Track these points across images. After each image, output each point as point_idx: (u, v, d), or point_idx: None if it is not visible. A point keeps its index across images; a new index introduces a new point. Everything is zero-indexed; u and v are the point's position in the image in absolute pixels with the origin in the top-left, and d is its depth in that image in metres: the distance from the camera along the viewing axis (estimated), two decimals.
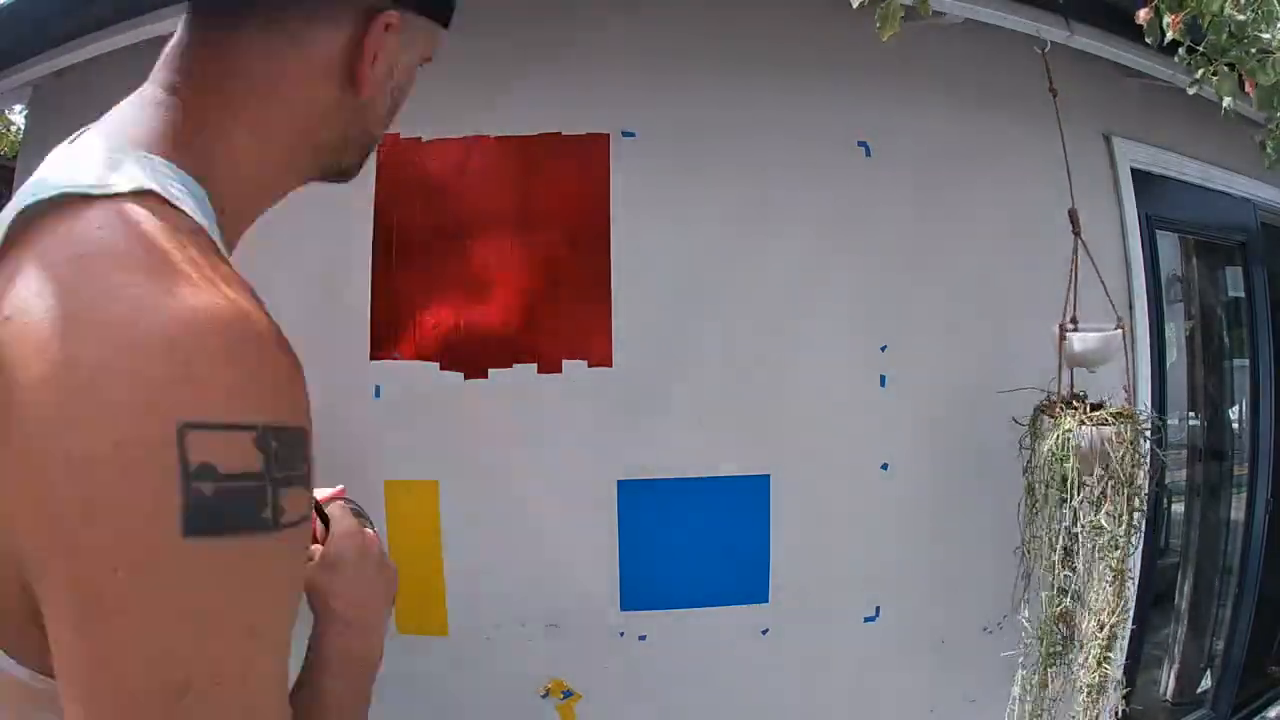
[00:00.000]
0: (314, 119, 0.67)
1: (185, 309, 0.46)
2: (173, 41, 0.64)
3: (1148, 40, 1.58)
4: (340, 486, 0.83)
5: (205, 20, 0.64)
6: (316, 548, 0.75)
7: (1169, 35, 1.56)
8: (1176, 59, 1.60)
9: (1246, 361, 3.15)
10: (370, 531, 0.77)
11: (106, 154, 0.54)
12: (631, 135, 2.13)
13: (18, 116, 3.14)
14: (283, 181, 0.68)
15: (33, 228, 0.49)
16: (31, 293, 0.46)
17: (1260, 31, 1.49)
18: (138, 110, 0.60)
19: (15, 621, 0.50)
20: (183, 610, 0.45)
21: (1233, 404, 3.26)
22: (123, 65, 2.02)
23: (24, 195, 0.51)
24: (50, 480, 0.44)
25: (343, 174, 0.75)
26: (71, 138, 0.60)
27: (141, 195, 0.51)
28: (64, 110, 2.24)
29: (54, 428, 0.44)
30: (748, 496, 2.16)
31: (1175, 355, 3.06)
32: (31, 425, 0.45)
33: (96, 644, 0.44)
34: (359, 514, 0.80)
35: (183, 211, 0.53)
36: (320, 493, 0.77)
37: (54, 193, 0.50)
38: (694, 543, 2.16)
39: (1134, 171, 2.52)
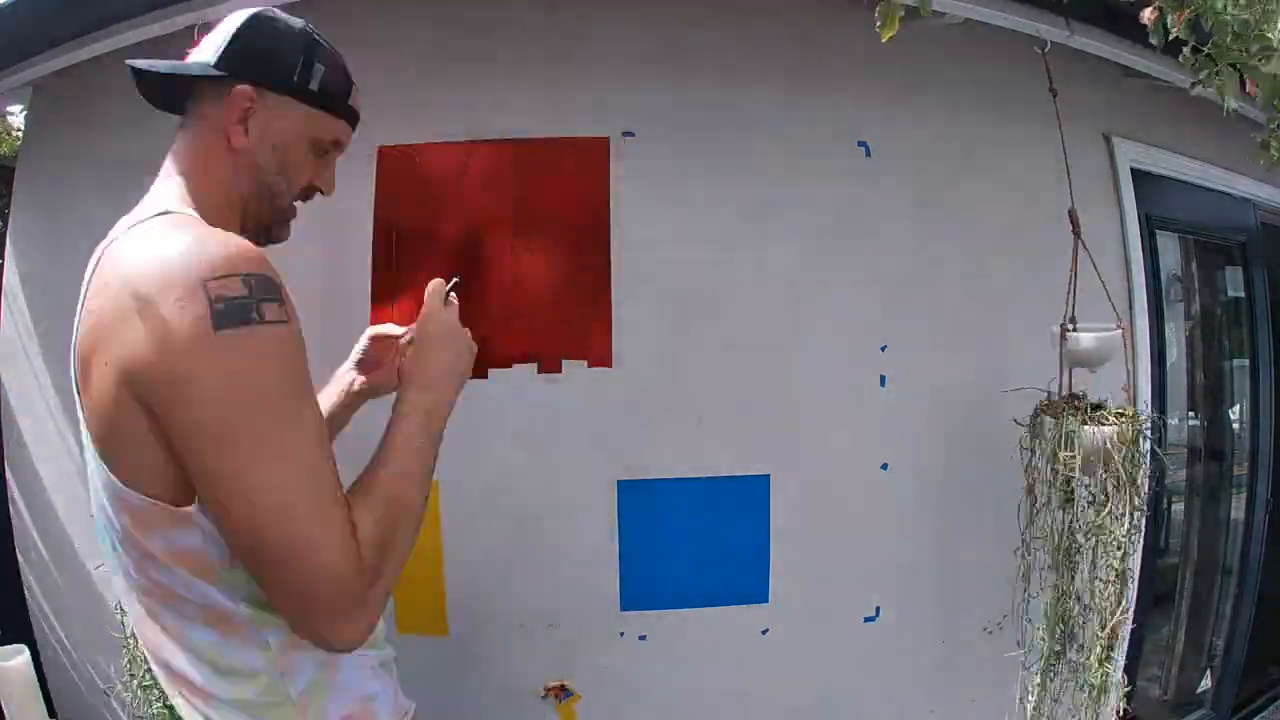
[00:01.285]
0: (224, 177, 1.02)
1: (198, 236, 0.89)
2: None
3: (1152, 41, 1.58)
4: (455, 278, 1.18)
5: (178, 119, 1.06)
6: (409, 328, 1.18)
7: (1173, 34, 1.56)
8: (1180, 59, 1.60)
9: (1246, 361, 3.15)
10: (453, 317, 1.15)
11: (154, 204, 0.98)
12: (631, 135, 2.13)
13: (18, 117, 3.13)
14: (228, 224, 0.99)
15: (116, 244, 0.94)
16: (127, 260, 0.89)
17: (1265, 30, 1.49)
18: (160, 184, 1.03)
19: (134, 455, 0.88)
20: (229, 369, 0.84)
21: (1233, 404, 3.26)
22: (123, 65, 2.02)
23: (123, 224, 0.96)
24: (145, 331, 0.84)
25: (267, 231, 1.08)
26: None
27: (169, 212, 0.96)
28: (64, 110, 2.24)
29: (140, 309, 0.84)
30: (748, 496, 2.16)
31: (1175, 355, 3.06)
32: (134, 301, 0.85)
33: (181, 394, 0.84)
34: (456, 289, 1.17)
35: (197, 216, 0.97)
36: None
37: (131, 224, 0.94)
38: (694, 543, 2.16)
39: (1134, 171, 2.52)
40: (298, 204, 1.10)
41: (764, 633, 2.19)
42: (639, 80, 2.14)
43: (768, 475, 2.17)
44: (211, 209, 0.98)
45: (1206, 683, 3.10)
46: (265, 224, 1.07)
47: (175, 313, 0.83)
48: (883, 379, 2.22)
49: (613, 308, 2.11)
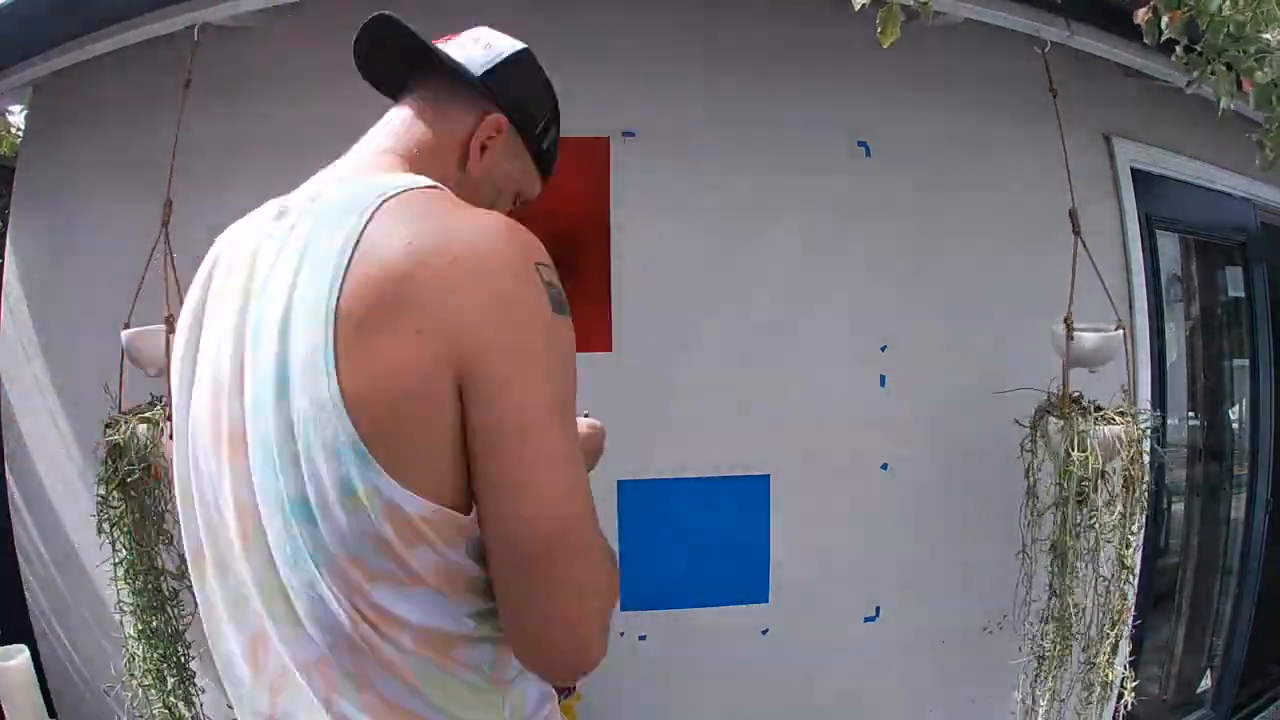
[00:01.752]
0: (448, 178, 0.93)
1: (505, 219, 0.84)
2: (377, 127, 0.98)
3: (1146, 40, 1.58)
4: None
5: (395, 106, 0.99)
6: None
7: (1165, 34, 1.56)
8: (1173, 58, 1.60)
9: (1246, 361, 3.15)
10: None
11: (408, 176, 0.88)
12: (631, 135, 2.13)
13: (18, 116, 3.13)
14: None
15: (387, 205, 0.81)
16: (429, 228, 0.79)
17: (1259, 31, 1.49)
18: (379, 159, 0.94)
19: (424, 453, 0.76)
20: (564, 354, 0.82)
21: (1233, 404, 3.26)
22: (123, 65, 2.02)
23: (373, 194, 0.82)
24: (488, 302, 0.76)
25: None
26: (351, 173, 0.93)
27: (436, 186, 0.87)
28: (64, 110, 2.24)
29: (483, 283, 0.77)
30: (748, 496, 2.16)
31: (1175, 355, 3.06)
32: (462, 280, 0.76)
33: (522, 369, 0.77)
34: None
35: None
36: None
37: (398, 190, 0.83)
38: (694, 543, 2.16)
39: (1134, 171, 2.52)
40: None
41: (764, 633, 2.19)
42: (639, 80, 2.14)
43: (768, 475, 2.17)
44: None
45: (1206, 683, 3.10)
46: None
47: (518, 287, 0.78)
48: (883, 379, 2.22)
49: (612, 308, 2.11)
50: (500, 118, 0.98)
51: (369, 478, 0.76)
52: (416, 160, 0.94)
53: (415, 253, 0.77)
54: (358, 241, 0.78)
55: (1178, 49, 1.57)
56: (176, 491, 0.92)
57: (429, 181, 0.87)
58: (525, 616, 0.78)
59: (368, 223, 0.79)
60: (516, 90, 1.01)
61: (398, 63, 1.00)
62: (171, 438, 0.99)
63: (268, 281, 0.83)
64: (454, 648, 0.82)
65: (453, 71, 0.97)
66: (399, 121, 0.97)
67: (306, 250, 0.81)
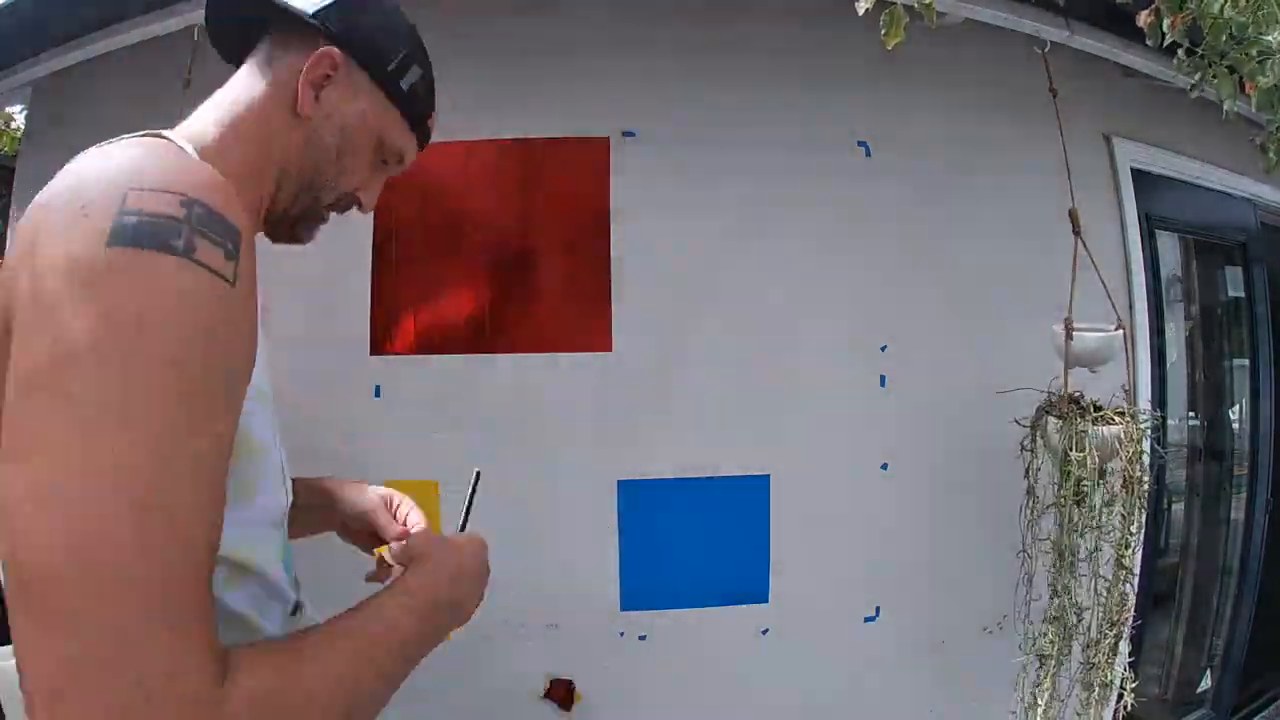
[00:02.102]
0: (273, 141, 0.84)
1: (155, 149, 0.68)
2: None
3: (1148, 42, 1.58)
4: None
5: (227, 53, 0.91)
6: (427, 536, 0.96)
7: (1169, 38, 1.56)
8: (1175, 61, 1.60)
9: (1246, 361, 3.15)
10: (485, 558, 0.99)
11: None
12: (631, 135, 2.13)
13: (18, 116, 3.13)
14: (248, 191, 0.82)
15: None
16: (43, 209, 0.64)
17: (1261, 33, 1.49)
18: (200, 133, 0.82)
19: None
20: (107, 303, 0.56)
21: (1233, 404, 3.26)
22: (123, 65, 2.02)
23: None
24: (30, 241, 0.60)
25: (292, 226, 0.91)
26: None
27: (142, 136, 0.71)
28: (64, 110, 2.24)
29: (38, 217, 0.62)
30: (748, 496, 2.16)
31: (1175, 355, 3.06)
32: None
33: (47, 330, 0.56)
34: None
35: (179, 146, 0.74)
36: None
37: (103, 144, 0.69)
38: (694, 543, 2.16)
39: (1134, 171, 2.52)
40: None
41: (764, 633, 2.19)
42: (639, 80, 2.14)
43: (768, 475, 2.17)
44: (238, 166, 0.80)
45: (1206, 683, 3.10)
46: (293, 215, 0.89)
47: (68, 221, 0.60)
48: (883, 379, 2.22)
49: (612, 308, 2.11)
50: (330, 49, 0.85)
51: None
52: (235, 120, 0.83)
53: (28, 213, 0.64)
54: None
55: (1180, 52, 1.57)
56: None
57: (162, 132, 0.75)
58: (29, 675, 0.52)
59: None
60: (359, 22, 0.88)
61: (247, 39, 0.90)
62: None
63: None
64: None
65: (280, 12, 0.86)
66: (230, 84, 0.87)
67: None
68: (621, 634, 2.15)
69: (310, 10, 0.86)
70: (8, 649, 1.44)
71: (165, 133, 0.76)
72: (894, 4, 1.49)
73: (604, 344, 2.10)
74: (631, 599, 2.14)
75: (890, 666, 2.25)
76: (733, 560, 2.18)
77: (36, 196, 0.64)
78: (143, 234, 0.58)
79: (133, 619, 0.50)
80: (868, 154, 2.22)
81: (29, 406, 0.54)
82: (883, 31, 1.50)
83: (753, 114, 2.17)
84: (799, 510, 2.18)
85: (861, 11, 1.45)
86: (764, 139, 2.17)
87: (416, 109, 0.94)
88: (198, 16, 1.82)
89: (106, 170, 0.63)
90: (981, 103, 2.29)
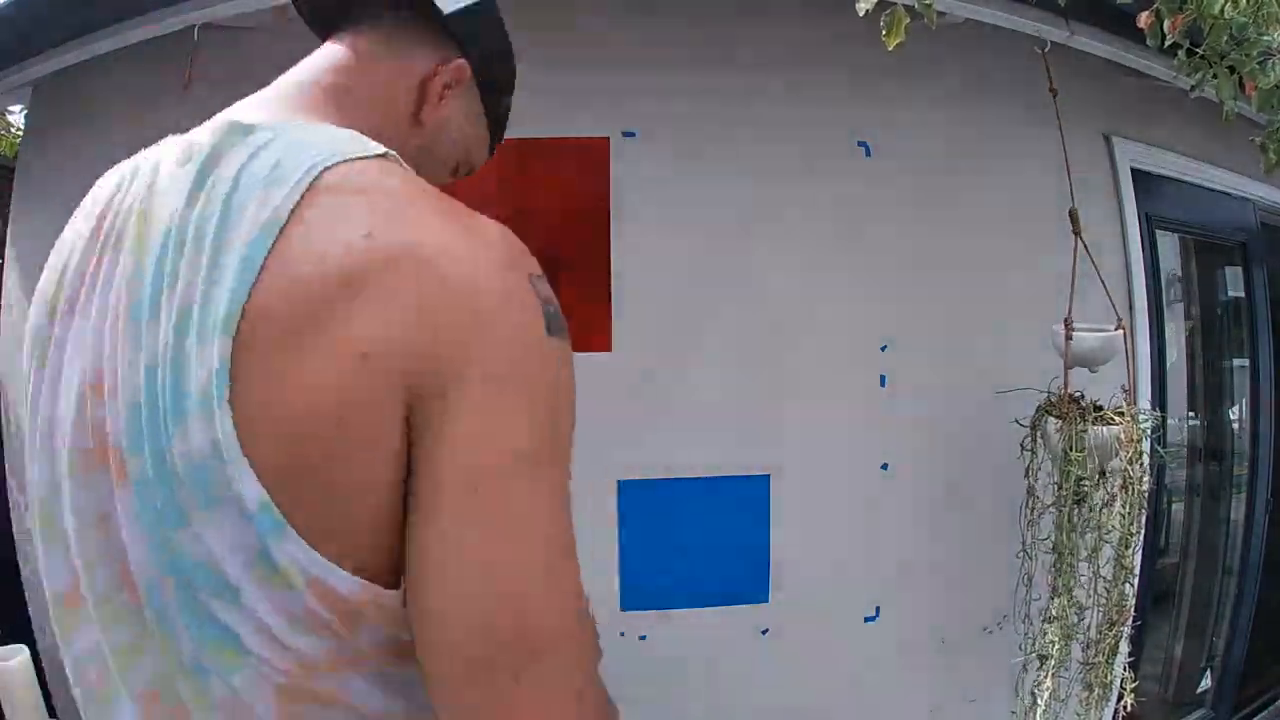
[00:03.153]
0: (396, 139, 0.75)
1: (486, 221, 0.66)
2: (310, 56, 0.79)
3: (1149, 43, 1.58)
4: None
5: (329, 32, 0.80)
6: None
7: (1169, 39, 1.56)
8: (1176, 62, 1.60)
9: (1246, 361, 3.15)
10: None
11: (348, 135, 0.68)
12: (632, 135, 2.13)
13: (18, 116, 3.13)
14: None
15: (327, 178, 0.61)
16: (394, 216, 0.61)
17: (1261, 34, 1.49)
18: (313, 94, 0.75)
19: (345, 509, 0.58)
20: (550, 380, 0.63)
21: (1233, 404, 3.26)
22: (123, 65, 2.02)
23: (304, 159, 0.62)
24: (464, 321, 0.58)
25: None
26: (271, 128, 0.67)
27: (387, 156, 0.67)
28: (64, 110, 2.24)
29: (461, 296, 0.58)
30: (748, 496, 2.16)
31: (1175, 355, 3.06)
32: (435, 297, 0.58)
33: (492, 401, 0.58)
34: None
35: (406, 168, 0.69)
36: None
37: (339, 159, 0.63)
38: (694, 543, 2.16)
39: (1134, 171, 2.52)
40: None
41: (764, 633, 2.19)
42: (639, 80, 2.14)
43: (768, 475, 2.17)
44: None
45: (1206, 683, 3.10)
46: None
47: (507, 303, 0.60)
48: (883, 379, 2.22)
49: (612, 308, 2.11)
50: (465, 64, 0.81)
51: (287, 549, 0.56)
52: (361, 100, 0.76)
53: (377, 250, 0.57)
54: (285, 225, 0.58)
55: (1180, 53, 1.57)
56: (36, 517, 0.68)
57: (379, 147, 0.67)
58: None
59: (300, 200, 0.59)
60: (485, 41, 0.85)
61: (350, 7, 0.81)
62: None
63: (164, 257, 0.61)
64: None
65: (418, 3, 0.80)
66: (343, 53, 0.78)
67: (221, 222, 0.60)
68: (621, 634, 2.15)
69: (447, 9, 0.80)
70: (7, 649, 1.41)
71: (396, 157, 0.69)
72: (895, 5, 1.49)
73: (604, 344, 2.10)
74: (631, 599, 2.14)
75: (890, 666, 2.25)
76: (733, 560, 2.18)
77: (379, 238, 0.58)
78: (559, 326, 0.64)
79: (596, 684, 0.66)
80: (868, 154, 2.22)
81: (517, 486, 0.58)
82: (883, 32, 1.50)
83: (753, 114, 2.17)
84: (799, 510, 2.18)
85: (862, 13, 1.44)
86: (764, 139, 2.17)
87: (502, 133, 0.93)
88: (198, 16, 1.82)
89: (496, 241, 0.64)
90: (981, 103, 2.29)
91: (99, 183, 0.73)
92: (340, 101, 0.74)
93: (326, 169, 0.61)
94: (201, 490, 0.57)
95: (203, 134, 0.67)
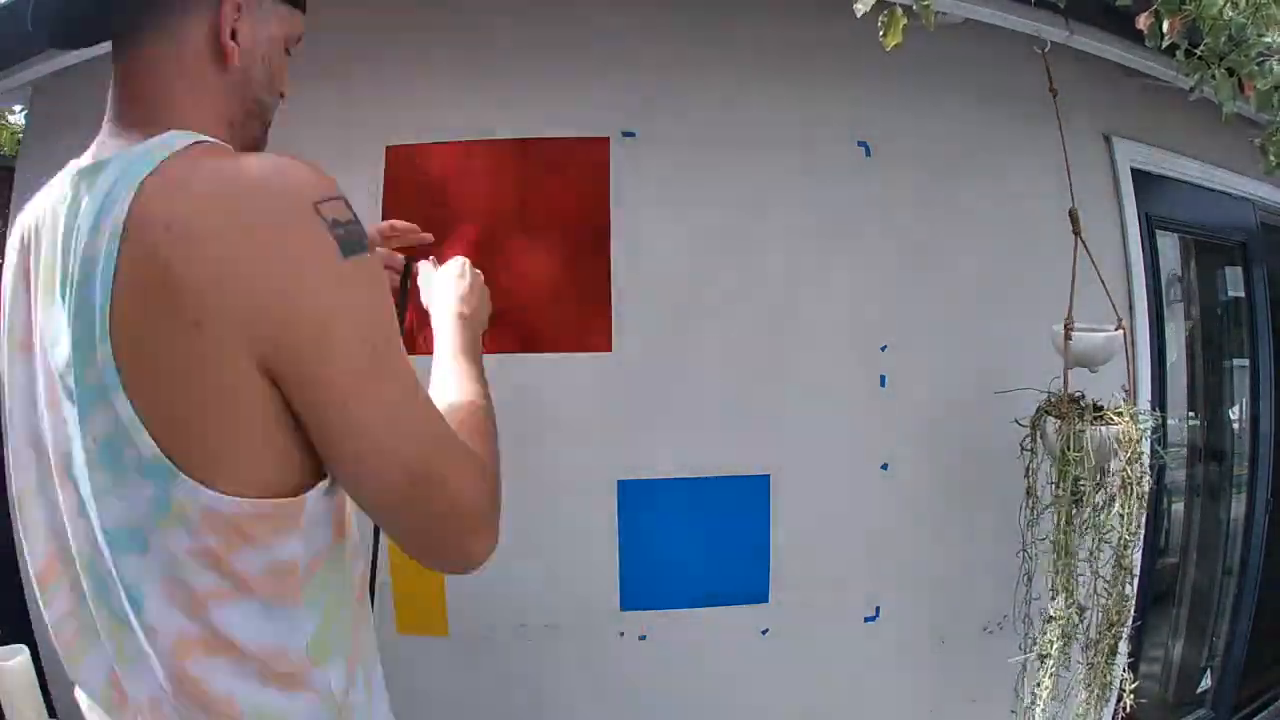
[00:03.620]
0: (217, 103, 0.85)
1: (271, 160, 0.75)
2: (114, 81, 0.87)
3: (1148, 44, 1.58)
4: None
5: (122, 51, 0.86)
6: (428, 265, 1.30)
7: (1167, 40, 1.56)
8: (1175, 61, 1.60)
9: (1246, 361, 3.15)
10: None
11: (159, 139, 0.77)
12: (631, 135, 2.13)
13: (18, 116, 3.13)
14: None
15: (151, 179, 0.72)
16: (188, 201, 0.71)
17: (1261, 35, 1.49)
18: (126, 135, 0.82)
19: (244, 447, 0.73)
20: (355, 301, 0.74)
21: (1233, 404, 3.26)
22: None
23: (134, 166, 0.73)
24: (267, 271, 0.70)
25: (256, 146, 0.93)
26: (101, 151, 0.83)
27: (203, 140, 0.77)
28: (64, 110, 2.24)
29: (242, 233, 0.70)
30: (748, 496, 2.16)
31: (1175, 355, 3.06)
32: (232, 243, 0.69)
33: (326, 339, 0.72)
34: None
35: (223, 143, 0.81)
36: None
37: (168, 150, 0.74)
38: (694, 543, 2.16)
39: (1134, 171, 2.52)
40: None
41: (764, 633, 2.19)
42: (639, 80, 2.14)
43: (768, 475, 2.17)
44: (224, 139, 0.84)
45: (1206, 683, 3.10)
46: (254, 146, 0.93)
47: (296, 243, 0.70)
48: (883, 379, 2.22)
49: (612, 308, 2.11)
50: None
51: (184, 490, 0.71)
52: (181, 106, 0.83)
53: (175, 235, 0.68)
54: (124, 233, 0.69)
55: (1179, 53, 1.58)
56: (15, 501, 0.87)
57: (189, 137, 0.77)
58: (411, 545, 0.80)
59: (131, 208, 0.70)
60: None
61: (105, 17, 0.87)
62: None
63: (45, 270, 0.78)
64: (291, 674, 0.79)
65: None
66: (134, 74, 0.85)
67: (76, 237, 0.73)
68: (621, 634, 2.15)
69: None
70: (7, 649, 1.50)
71: (206, 138, 0.79)
72: (893, 5, 1.49)
73: (604, 344, 2.10)
74: (631, 599, 2.14)
75: (890, 666, 2.25)
76: (733, 560, 2.18)
77: (175, 225, 0.69)
78: (354, 242, 0.74)
79: (458, 447, 0.82)
80: (868, 154, 2.22)
81: (377, 386, 0.75)
82: (881, 33, 1.50)
83: (752, 114, 2.17)
84: (799, 510, 2.18)
85: (860, 14, 1.44)
86: (764, 139, 2.17)
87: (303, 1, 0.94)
88: None
89: (277, 186, 0.73)
90: (981, 103, 2.29)
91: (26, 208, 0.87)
92: (153, 107, 0.83)
93: (148, 177, 0.72)
94: (113, 461, 0.73)
95: (67, 176, 0.81)
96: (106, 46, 0.91)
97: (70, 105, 2.21)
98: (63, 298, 0.73)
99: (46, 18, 0.91)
